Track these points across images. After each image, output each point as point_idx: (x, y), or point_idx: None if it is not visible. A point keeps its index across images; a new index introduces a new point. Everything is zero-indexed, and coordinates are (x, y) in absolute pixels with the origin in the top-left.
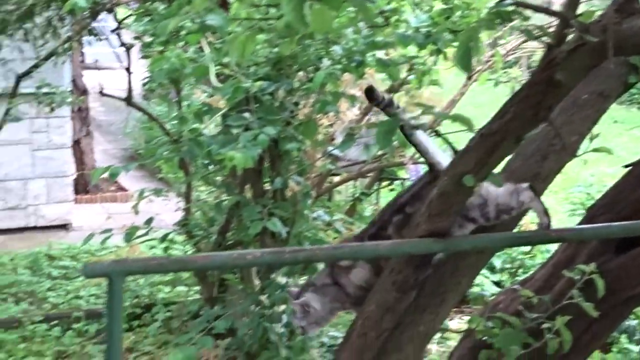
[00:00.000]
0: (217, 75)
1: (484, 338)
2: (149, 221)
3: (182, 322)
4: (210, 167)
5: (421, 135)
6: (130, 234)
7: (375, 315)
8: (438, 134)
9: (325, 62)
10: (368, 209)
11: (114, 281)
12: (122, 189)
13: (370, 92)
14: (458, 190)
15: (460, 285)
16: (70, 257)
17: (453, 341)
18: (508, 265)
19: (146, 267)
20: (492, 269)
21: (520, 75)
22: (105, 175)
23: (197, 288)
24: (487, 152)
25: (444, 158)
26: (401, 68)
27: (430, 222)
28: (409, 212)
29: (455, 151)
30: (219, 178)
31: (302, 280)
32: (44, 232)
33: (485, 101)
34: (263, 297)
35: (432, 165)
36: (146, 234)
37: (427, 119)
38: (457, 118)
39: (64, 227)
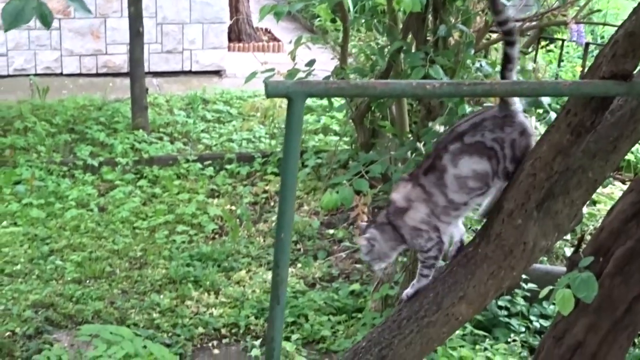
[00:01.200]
0: None
1: None
2: (310, 63)
3: (331, 170)
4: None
5: None
6: (291, 74)
7: (547, 157)
8: None
9: None
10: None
11: (294, 102)
12: (274, 39)
13: None
14: None
15: (634, 132)
16: (223, 101)
17: (603, 205)
18: None
19: (327, 89)
20: None
21: None
22: (260, 24)
23: (347, 139)
24: None
25: None
26: None
27: (614, 64)
28: (467, 142)
29: None
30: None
31: None
32: (198, 77)
33: None
34: (419, 145)
35: None
36: (307, 75)
37: None
38: None
39: (217, 73)
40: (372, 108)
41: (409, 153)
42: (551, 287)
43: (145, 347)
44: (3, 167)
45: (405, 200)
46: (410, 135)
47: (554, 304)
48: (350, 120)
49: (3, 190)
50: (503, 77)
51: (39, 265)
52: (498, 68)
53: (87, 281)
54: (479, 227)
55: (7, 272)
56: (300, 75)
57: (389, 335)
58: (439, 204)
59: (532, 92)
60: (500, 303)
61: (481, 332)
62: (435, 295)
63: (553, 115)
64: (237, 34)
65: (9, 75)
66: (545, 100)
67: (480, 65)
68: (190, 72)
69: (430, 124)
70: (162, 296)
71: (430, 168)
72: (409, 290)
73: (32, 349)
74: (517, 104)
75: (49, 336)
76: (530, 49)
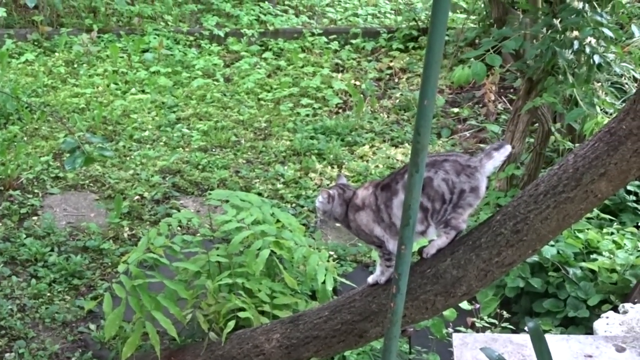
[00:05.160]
0: None
1: None
2: None
3: (457, 48)
4: None
5: None
6: None
7: None
8: None
9: None
10: None
11: None
12: None
13: None
14: None
15: None
16: None
17: None
18: None
19: None
20: None
21: None
22: None
23: (474, 17)
24: None
25: None
26: None
27: None
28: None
29: None
30: None
31: None
32: None
33: None
34: (556, 21)
35: None
36: None
37: None
38: None
39: None
40: None
41: (543, 30)
42: None
43: (273, 214)
44: (132, 34)
45: (361, 201)
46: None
47: None
48: None
49: (132, 57)
50: None
51: (166, 132)
52: None
53: (213, 149)
54: None
55: (136, 138)
56: None
57: (524, 209)
58: (384, 220)
59: None
60: (629, 187)
61: (608, 216)
62: (575, 171)
63: None
64: None
65: None
66: None
67: None
68: None
69: (567, 0)
70: (286, 167)
71: (386, 186)
72: (381, 277)
73: (160, 213)
74: (487, 164)
75: (176, 201)
76: None
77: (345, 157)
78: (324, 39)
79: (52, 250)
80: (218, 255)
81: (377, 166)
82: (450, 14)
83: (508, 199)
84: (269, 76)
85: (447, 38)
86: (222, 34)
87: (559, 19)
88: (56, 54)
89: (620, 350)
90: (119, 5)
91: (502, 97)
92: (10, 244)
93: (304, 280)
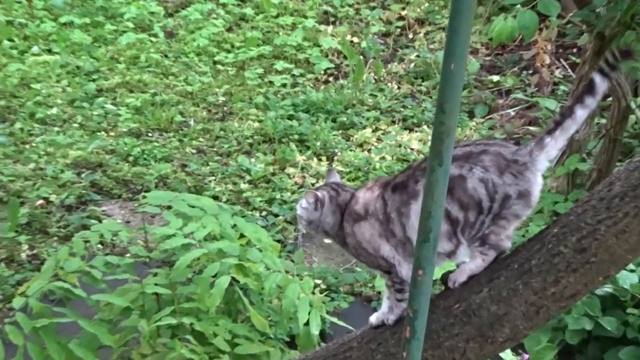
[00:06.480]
0: None
1: None
2: None
3: None
4: None
5: None
6: None
7: None
8: None
9: None
10: None
11: None
12: None
13: None
14: None
15: None
16: None
17: None
18: None
19: None
20: None
21: None
22: None
23: None
24: None
25: None
26: None
27: None
28: (451, 172)
29: None
30: None
31: None
32: None
33: None
34: None
35: None
36: None
37: None
38: None
39: None
40: None
41: None
42: None
43: (234, 226)
44: None
45: (363, 207)
46: None
47: None
48: None
49: (33, 3)
50: None
51: (83, 109)
52: None
53: (149, 134)
54: None
55: (39, 118)
56: None
57: (592, 219)
58: (396, 235)
59: None
60: None
61: None
62: None
63: None
64: None
65: None
66: None
67: None
68: None
69: None
70: (253, 159)
71: (400, 186)
72: (389, 316)
73: (73, 224)
74: (541, 158)
75: (96, 208)
76: None
77: (338, 145)
78: None
79: None
80: (156, 284)
81: (382, 158)
82: None
83: (569, 205)
84: (229, 30)
85: None
86: None
87: None
88: None
89: None
90: None
91: (561, 61)
92: None
93: (279, 321)
